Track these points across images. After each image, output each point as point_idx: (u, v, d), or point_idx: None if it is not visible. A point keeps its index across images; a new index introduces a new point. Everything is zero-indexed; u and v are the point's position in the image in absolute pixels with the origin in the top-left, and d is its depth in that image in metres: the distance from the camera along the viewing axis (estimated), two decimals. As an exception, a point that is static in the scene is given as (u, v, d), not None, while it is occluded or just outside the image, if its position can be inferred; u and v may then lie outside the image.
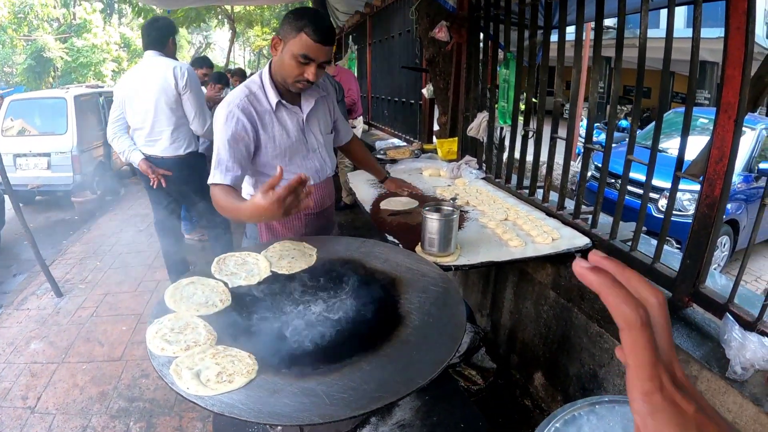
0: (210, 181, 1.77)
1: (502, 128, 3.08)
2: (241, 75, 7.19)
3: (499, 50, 3.03)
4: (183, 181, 3.36)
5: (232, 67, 16.60)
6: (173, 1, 6.93)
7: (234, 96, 1.83)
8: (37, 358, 3.32)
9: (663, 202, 4.82)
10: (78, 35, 25.12)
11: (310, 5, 13.23)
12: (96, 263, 4.98)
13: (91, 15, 25.43)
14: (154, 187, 3.32)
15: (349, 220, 5.40)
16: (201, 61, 5.06)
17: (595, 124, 2.30)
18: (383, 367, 1.12)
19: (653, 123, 6.33)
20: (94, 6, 25.66)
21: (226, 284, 1.51)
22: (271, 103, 1.86)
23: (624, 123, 10.06)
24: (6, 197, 5.96)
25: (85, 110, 7.52)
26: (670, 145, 4.91)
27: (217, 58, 34.12)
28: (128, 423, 2.67)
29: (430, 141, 4.71)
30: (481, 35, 3.21)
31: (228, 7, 16.96)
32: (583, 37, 2.23)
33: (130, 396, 2.89)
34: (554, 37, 2.47)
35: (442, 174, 3.24)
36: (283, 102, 1.88)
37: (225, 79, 6.73)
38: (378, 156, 4.02)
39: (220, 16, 19.15)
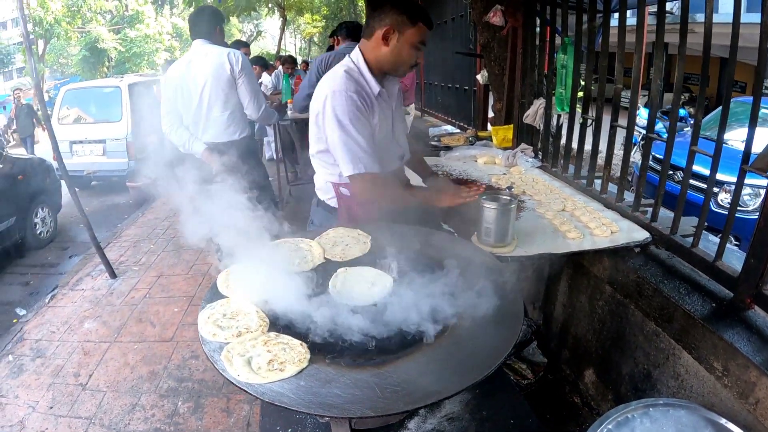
0: (358, 171, 1.84)
1: (559, 116, 3.04)
2: (291, 61, 7.35)
3: (556, 35, 3.00)
4: (238, 165, 3.46)
5: (283, 53, 16.93)
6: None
7: (343, 84, 1.85)
8: (90, 337, 3.53)
9: (722, 196, 4.64)
10: (131, 26, 26.29)
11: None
12: (150, 246, 5.24)
13: (143, 6, 26.53)
14: (214, 173, 3.42)
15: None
16: (238, 44, 5.23)
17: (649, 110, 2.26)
18: (439, 360, 1.13)
19: (712, 113, 6.07)
20: (146, -3, 26.74)
21: (279, 270, 1.53)
22: (373, 91, 1.93)
23: (682, 112, 9.67)
24: (62, 182, 6.38)
25: (138, 98, 7.88)
26: (731, 137, 4.70)
27: (268, 46, 34.93)
28: (176, 402, 2.81)
29: (485, 128, 4.70)
30: (537, 20, 3.18)
31: (278, -5, 17.33)
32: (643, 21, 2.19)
33: (179, 376, 3.03)
34: (614, 22, 2.42)
35: (497, 162, 3.24)
36: (382, 90, 1.97)
37: (263, 61, 6.89)
38: (432, 143, 4.05)
39: (270, 5, 19.57)
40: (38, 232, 5.79)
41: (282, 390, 1.06)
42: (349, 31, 3.90)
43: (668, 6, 2.09)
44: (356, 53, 1.96)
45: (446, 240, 1.78)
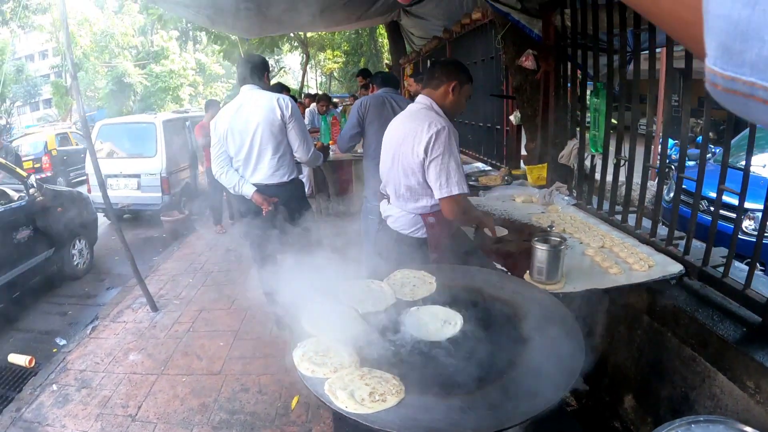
0: (457, 192, 2.36)
1: (593, 156, 3.27)
2: (326, 99, 7.73)
3: (588, 77, 3.24)
4: (286, 207, 3.61)
5: (306, 90, 17.47)
6: (254, 29, 7.53)
7: (438, 121, 2.40)
8: (136, 369, 3.63)
9: (747, 223, 4.76)
10: (156, 61, 27.39)
11: (382, 30, 13.80)
12: (188, 280, 5.40)
13: (168, 42, 27.69)
14: (264, 215, 3.57)
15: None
16: (279, 87, 5.60)
17: (673, 141, 2.46)
18: (515, 388, 1.30)
19: (738, 136, 6.10)
20: (170, 34, 27.87)
21: (356, 310, 1.72)
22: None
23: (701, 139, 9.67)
24: (99, 215, 6.66)
25: (172, 134, 8.26)
26: (754, 162, 4.83)
27: (289, 81, 35.79)
28: None
29: (518, 166, 4.92)
30: (569, 63, 3.43)
31: (301, 33, 17.98)
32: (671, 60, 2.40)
33: (230, 408, 3.13)
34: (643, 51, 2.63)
35: (534, 201, 3.45)
36: None
37: (282, 86, 7.28)
38: (470, 182, 4.28)
39: (293, 42, 20.30)
40: (75, 263, 5.99)
41: (389, 418, 1.20)
42: (383, 81, 4.31)
43: None
44: (427, 99, 2.55)
45: (503, 278, 2.00)
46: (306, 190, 6.43)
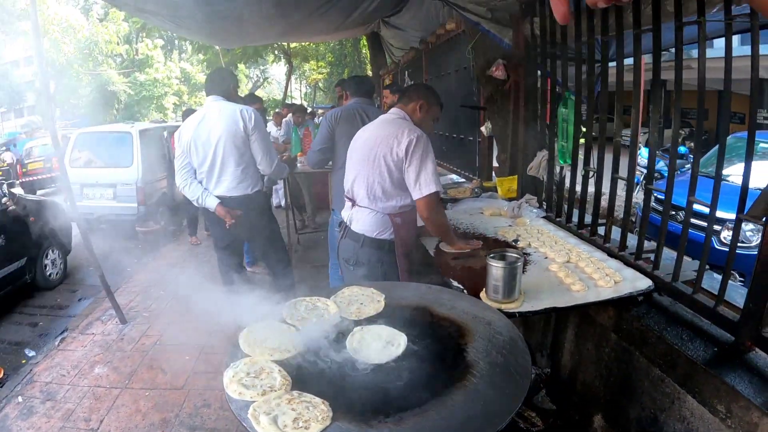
0: (431, 190, 2.45)
1: (562, 167, 3.18)
2: (301, 111, 7.60)
3: (557, 87, 3.15)
4: (249, 219, 3.56)
5: (289, 100, 17.37)
6: (234, 39, 7.41)
7: (419, 130, 2.53)
8: (101, 382, 3.55)
9: (725, 234, 4.71)
10: (140, 70, 27.12)
11: (365, 41, 13.79)
12: (160, 292, 5.28)
13: (153, 51, 27.44)
14: (227, 227, 3.50)
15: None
16: (252, 98, 5.47)
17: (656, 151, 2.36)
18: (453, 416, 1.20)
19: (711, 150, 6.07)
20: (155, 42, 27.63)
21: (297, 329, 1.63)
22: None
23: (683, 149, 9.76)
24: (73, 224, 6.47)
25: (149, 144, 8.07)
26: (731, 171, 4.76)
27: (274, 92, 35.71)
28: None
29: (490, 178, 4.83)
30: (539, 72, 3.34)
31: (284, 43, 17.87)
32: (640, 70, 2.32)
33: (191, 424, 3.05)
34: (611, 62, 2.58)
35: (503, 213, 3.34)
36: None
37: (258, 99, 7.17)
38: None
39: (276, 52, 20.19)
40: (48, 273, 5.84)
41: None
42: (356, 88, 4.03)
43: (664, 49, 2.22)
44: (401, 112, 2.68)
45: (456, 297, 1.87)
46: (281, 202, 6.34)
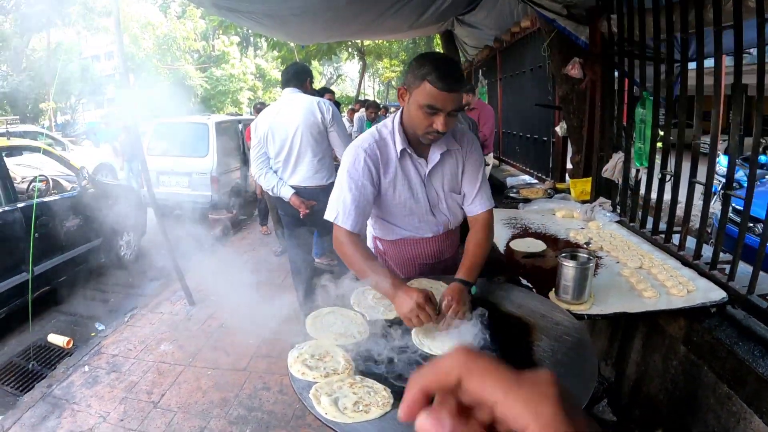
0: (332, 219, 1.88)
1: (638, 170, 3.10)
2: (374, 107, 7.68)
3: (635, 87, 3.09)
4: (323, 209, 3.63)
5: (362, 97, 17.64)
6: (308, 37, 7.60)
7: (363, 139, 1.93)
8: (166, 358, 3.74)
9: None
10: (217, 65, 28.30)
11: (438, 40, 13.76)
12: (228, 278, 5.45)
13: (229, 47, 28.56)
14: (302, 217, 3.60)
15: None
16: (323, 90, 5.64)
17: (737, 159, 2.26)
18: None
19: None
20: (231, 39, 28.76)
21: (364, 316, 1.69)
22: (397, 149, 1.90)
23: (763, 158, 9.10)
24: (149, 209, 6.86)
25: (224, 136, 8.42)
26: None
27: (348, 89, 36.35)
28: (245, 430, 2.94)
29: (563, 180, 4.75)
30: (616, 72, 3.28)
31: (358, 41, 18.13)
32: (721, 70, 2.24)
33: (249, 405, 3.16)
34: (691, 64, 2.48)
35: (575, 216, 3.31)
36: (409, 151, 1.91)
37: (336, 104, 7.33)
38: (511, 194, 4.16)
39: (350, 49, 20.53)
40: (122, 254, 6.18)
41: (365, 430, 1.16)
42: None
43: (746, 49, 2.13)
44: (401, 111, 1.94)
45: (525, 295, 1.89)
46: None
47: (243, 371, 3.57)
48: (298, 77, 3.61)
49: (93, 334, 4.30)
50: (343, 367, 1.38)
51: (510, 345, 1.55)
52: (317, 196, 3.56)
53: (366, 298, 1.81)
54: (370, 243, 2.27)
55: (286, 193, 3.55)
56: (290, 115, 3.46)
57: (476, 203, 2.04)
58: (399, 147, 1.90)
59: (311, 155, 3.51)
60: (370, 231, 2.23)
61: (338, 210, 1.87)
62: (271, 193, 3.67)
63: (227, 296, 4.88)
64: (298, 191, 3.55)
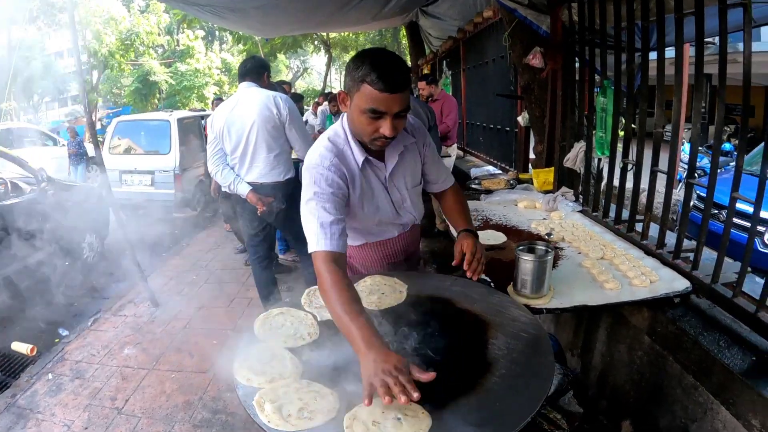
0: (311, 249, 1.58)
1: (600, 159, 3.06)
2: (335, 100, 7.58)
3: (596, 75, 3.03)
4: (282, 206, 3.55)
5: (328, 90, 17.46)
6: (271, 29, 7.47)
7: (320, 156, 1.70)
8: (129, 362, 3.66)
9: None
10: (181, 60, 27.69)
11: (402, 30, 13.68)
12: (192, 277, 5.43)
13: (194, 42, 27.94)
14: (259, 215, 3.51)
15: (441, 248, 5.46)
16: (280, 83, 5.52)
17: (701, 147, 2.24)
18: (466, 417, 1.15)
19: (759, 147, 5.84)
20: (196, 33, 28.13)
21: (315, 317, 1.61)
22: (357, 161, 1.75)
23: (727, 146, 9.34)
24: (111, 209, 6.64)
25: (187, 132, 8.27)
26: None
27: (315, 82, 35.97)
28: None
29: (526, 170, 4.73)
30: (577, 61, 3.23)
31: (324, 34, 17.92)
32: (683, 57, 2.20)
33: (214, 408, 3.10)
34: (653, 55, 2.43)
35: (537, 206, 3.26)
36: (370, 158, 1.78)
37: (299, 97, 7.17)
38: (473, 186, 4.09)
39: (315, 42, 20.28)
40: (85, 256, 5.98)
41: None
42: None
43: (708, 38, 2.09)
44: (346, 116, 1.76)
45: (481, 290, 1.80)
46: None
47: (207, 373, 3.49)
48: (254, 71, 3.50)
49: (57, 340, 4.19)
50: (290, 371, 1.32)
51: (464, 344, 1.48)
52: (274, 193, 3.50)
53: (317, 298, 1.72)
54: None
55: (243, 190, 3.45)
56: (246, 110, 3.36)
57: (442, 182, 2.05)
58: (360, 158, 1.74)
59: (267, 151, 3.42)
60: None
61: (315, 236, 1.58)
62: (228, 190, 3.58)
63: (191, 296, 4.93)
64: (255, 188, 3.46)
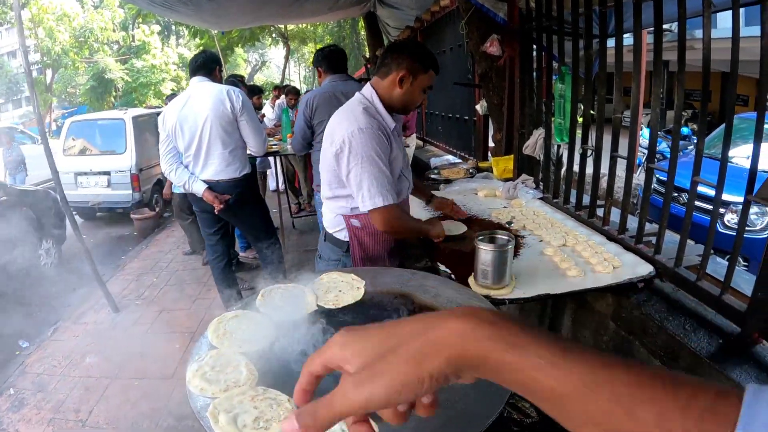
0: (382, 204, 1.97)
1: (559, 146, 3.03)
2: (294, 93, 7.42)
3: (554, 62, 3.00)
4: (239, 203, 3.46)
5: (287, 83, 17.15)
6: (226, 22, 7.27)
7: (367, 121, 1.98)
8: (92, 372, 3.54)
9: (729, 217, 4.55)
10: (137, 56, 26.75)
11: (361, 21, 13.51)
12: (153, 279, 5.28)
13: (150, 37, 27.01)
14: (216, 213, 3.41)
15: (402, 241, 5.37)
16: (233, 77, 5.36)
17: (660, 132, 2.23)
18: (428, 420, 1.07)
19: (716, 131, 5.98)
20: (152, 28, 27.24)
21: (271, 319, 1.52)
22: (389, 127, 2.09)
23: (685, 130, 9.57)
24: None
25: (143, 131, 7.99)
26: (735, 153, 4.60)
27: (274, 75, 35.33)
28: None
29: (486, 158, 4.69)
30: (534, 47, 3.18)
31: (281, 26, 17.57)
32: (641, 43, 2.17)
33: (179, 414, 3.00)
34: (611, 42, 2.41)
35: (497, 194, 3.21)
36: (396, 127, 2.16)
37: (258, 89, 6.99)
38: (432, 176, 4.02)
39: (274, 35, 19.86)
40: (43, 263, 5.76)
41: None
42: (330, 64, 3.69)
43: (666, 25, 2.06)
44: (369, 90, 2.11)
45: (441, 284, 1.73)
46: (279, 185, 6.22)
47: (171, 378, 3.39)
48: (206, 66, 3.37)
49: (17, 352, 4.04)
50: (245, 378, 1.23)
51: None
52: (231, 190, 3.40)
53: (273, 298, 1.64)
54: (333, 220, 2.25)
55: (199, 189, 3.35)
56: (199, 105, 3.23)
57: None
58: (392, 126, 2.11)
59: (221, 147, 3.30)
60: (335, 213, 2.22)
61: (387, 192, 1.99)
62: (183, 190, 3.46)
63: (152, 300, 4.80)
64: (211, 186, 3.36)
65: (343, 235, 2.23)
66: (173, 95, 6.89)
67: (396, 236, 2.21)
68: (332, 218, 2.24)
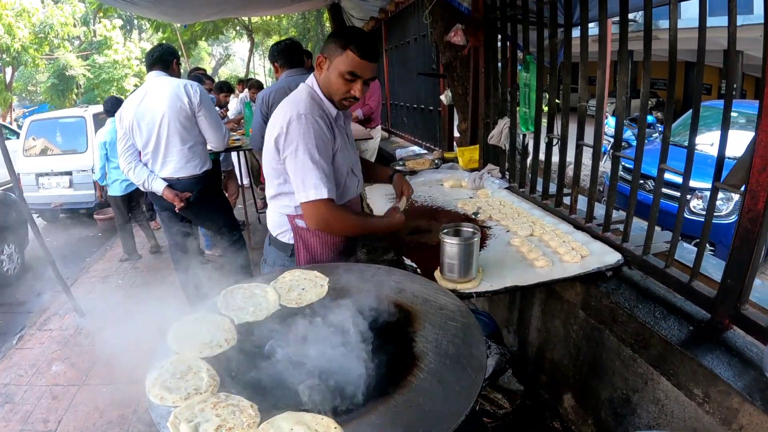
0: (314, 197, 1.75)
1: (524, 135, 2.98)
2: (257, 87, 7.23)
3: (519, 51, 2.94)
4: (201, 201, 3.34)
5: (252, 77, 16.81)
6: (190, 15, 7.02)
7: (308, 106, 1.80)
8: (59, 380, 3.40)
9: (695, 203, 4.61)
10: (99, 52, 25.78)
11: (326, 13, 13.32)
12: (118, 281, 5.09)
13: (111, 32, 26.00)
14: (177, 211, 3.29)
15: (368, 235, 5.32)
16: (195, 70, 5.17)
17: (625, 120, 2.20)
18: (395, 420, 1.03)
19: (681, 118, 6.04)
20: (113, 23, 26.26)
21: (232, 321, 1.45)
22: (332, 114, 1.90)
23: (650, 118, 9.74)
24: (34, 216, 6.09)
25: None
26: (700, 140, 4.68)
27: (238, 69, 34.61)
28: None
29: (451, 149, 4.64)
30: (499, 37, 3.13)
31: (245, 18, 17.16)
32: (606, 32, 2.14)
33: (149, 420, 2.84)
34: (576, 32, 2.35)
35: (463, 185, 3.15)
36: (339, 113, 1.95)
37: (228, 86, 6.78)
38: (397, 167, 3.93)
39: (238, 28, 19.42)
40: (5, 269, 5.49)
41: None
42: (287, 59, 3.52)
43: (631, 14, 2.03)
44: (312, 79, 1.92)
45: (406, 278, 1.66)
46: (243, 180, 6.06)
47: (139, 383, 3.18)
48: (163, 59, 3.21)
49: None
50: (207, 385, 1.17)
51: (389, 339, 1.35)
52: (192, 187, 3.27)
53: (234, 299, 1.56)
54: (277, 222, 2.05)
55: (158, 187, 3.21)
56: (155, 101, 3.08)
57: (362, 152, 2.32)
58: (333, 113, 1.90)
59: (180, 143, 3.17)
60: (279, 212, 2.01)
61: (322, 185, 1.76)
62: (142, 188, 3.31)
63: (118, 302, 4.62)
64: (171, 183, 3.22)
65: (288, 237, 2.03)
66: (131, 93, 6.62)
67: (337, 234, 1.96)
68: (276, 219, 2.04)
